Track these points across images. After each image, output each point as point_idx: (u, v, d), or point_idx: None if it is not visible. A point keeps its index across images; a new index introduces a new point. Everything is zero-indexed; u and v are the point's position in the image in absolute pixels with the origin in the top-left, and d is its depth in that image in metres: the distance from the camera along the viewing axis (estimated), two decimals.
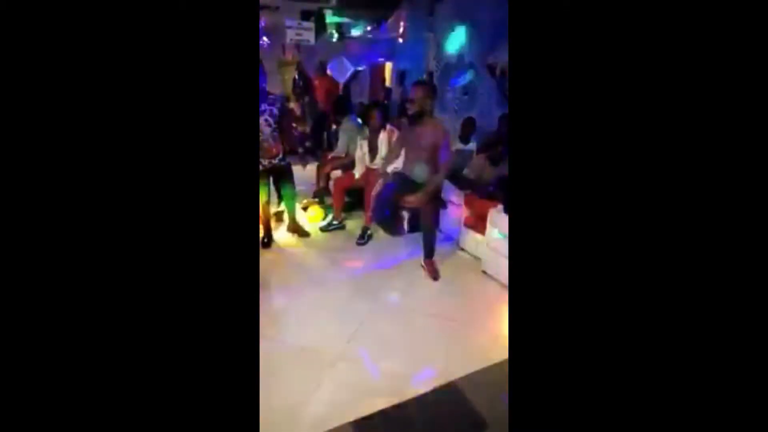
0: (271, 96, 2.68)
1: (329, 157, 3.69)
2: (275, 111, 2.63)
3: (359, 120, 3.49)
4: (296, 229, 3.06)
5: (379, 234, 3.00)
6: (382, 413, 1.49)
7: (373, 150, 3.11)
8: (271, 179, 2.88)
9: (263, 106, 2.59)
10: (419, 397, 1.57)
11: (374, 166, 3.07)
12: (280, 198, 3.16)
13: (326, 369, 1.70)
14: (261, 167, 2.72)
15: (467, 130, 3.44)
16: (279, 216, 3.25)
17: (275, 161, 2.75)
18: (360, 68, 6.56)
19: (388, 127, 3.11)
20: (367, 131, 3.16)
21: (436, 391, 1.60)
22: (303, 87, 5.90)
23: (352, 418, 1.45)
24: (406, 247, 2.90)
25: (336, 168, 3.56)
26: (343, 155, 3.47)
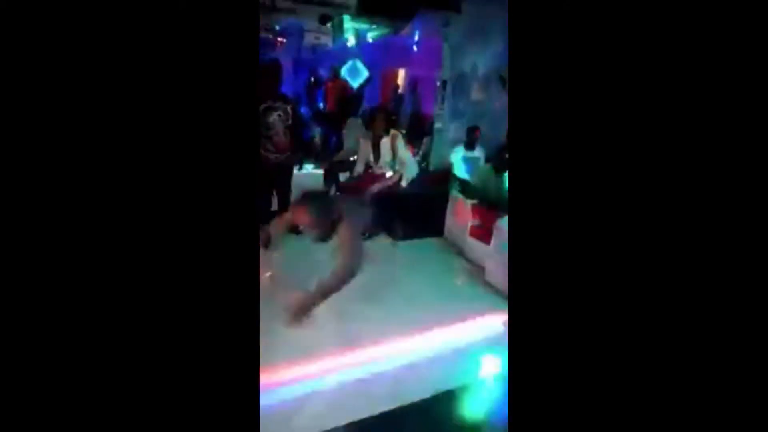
0: (286, 95, 2.78)
1: (334, 159, 3.72)
2: (288, 109, 2.72)
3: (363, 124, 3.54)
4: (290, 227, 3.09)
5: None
6: (382, 416, 1.49)
7: (375, 154, 3.13)
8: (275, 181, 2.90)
9: (278, 104, 2.70)
10: (419, 402, 1.56)
11: (378, 171, 3.08)
12: (279, 200, 3.11)
13: (327, 370, 1.69)
14: (269, 161, 2.77)
15: (472, 138, 3.49)
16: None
17: (282, 157, 2.80)
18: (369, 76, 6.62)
19: (391, 132, 3.12)
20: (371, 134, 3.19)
21: (436, 398, 1.59)
22: (314, 90, 5.97)
23: (351, 419, 1.45)
24: (411, 250, 2.91)
25: (342, 170, 3.58)
26: (351, 158, 3.49)
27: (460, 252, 2.95)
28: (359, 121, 3.79)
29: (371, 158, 3.14)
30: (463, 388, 1.64)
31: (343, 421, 1.45)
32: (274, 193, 2.97)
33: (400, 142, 3.07)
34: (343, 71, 6.61)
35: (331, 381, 1.65)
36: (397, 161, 3.04)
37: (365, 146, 3.15)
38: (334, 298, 2.19)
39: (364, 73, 6.86)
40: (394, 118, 3.95)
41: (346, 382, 1.64)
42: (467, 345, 1.93)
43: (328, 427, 1.42)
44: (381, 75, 7.21)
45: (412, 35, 5.94)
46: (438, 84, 3.99)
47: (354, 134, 3.50)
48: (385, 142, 3.07)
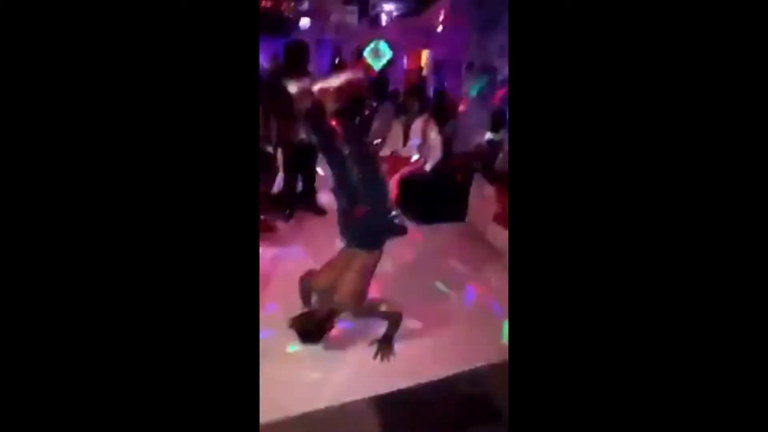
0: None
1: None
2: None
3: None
4: (314, 209, 3.14)
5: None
6: (401, 392, 1.54)
7: (405, 136, 3.11)
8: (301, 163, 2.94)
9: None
10: (438, 381, 1.60)
11: (404, 154, 3.07)
12: (304, 182, 3.14)
13: (348, 347, 1.76)
14: (294, 142, 2.80)
15: (497, 120, 3.43)
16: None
17: (307, 139, 2.82)
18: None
19: (425, 115, 3.10)
20: (403, 117, 3.16)
21: (455, 377, 1.63)
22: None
23: (370, 395, 1.51)
24: (432, 235, 2.92)
25: None
26: (376, 142, 3.49)
27: (482, 237, 2.94)
28: (390, 105, 3.76)
29: (400, 142, 3.13)
30: (485, 369, 1.67)
31: (364, 396, 1.51)
32: (299, 175, 3.02)
33: (433, 128, 3.04)
34: (366, 52, 6.52)
35: (352, 357, 1.71)
36: (425, 146, 3.02)
37: (396, 128, 3.14)
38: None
39: (388, 54, 6.75)
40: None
41: (367, 358, 1.71)
42: (486, 328, 1.95)
43: (349, 401, 1.49)
44: (405, 56, 7.07)
45: (438, 15, 5.78)
46: (463, 66, 3.90)
47: (385, 117, 3.49)
48: (416, 126, 3.04)
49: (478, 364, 1.69)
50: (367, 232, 1.67)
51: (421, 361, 1.70)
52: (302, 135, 2.77)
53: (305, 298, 1.82)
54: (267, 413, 1.37)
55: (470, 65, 3.77)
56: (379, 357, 1.70)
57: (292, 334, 1.76)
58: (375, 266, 1.71)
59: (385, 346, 1.72)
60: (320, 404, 1.45)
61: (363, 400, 1.49)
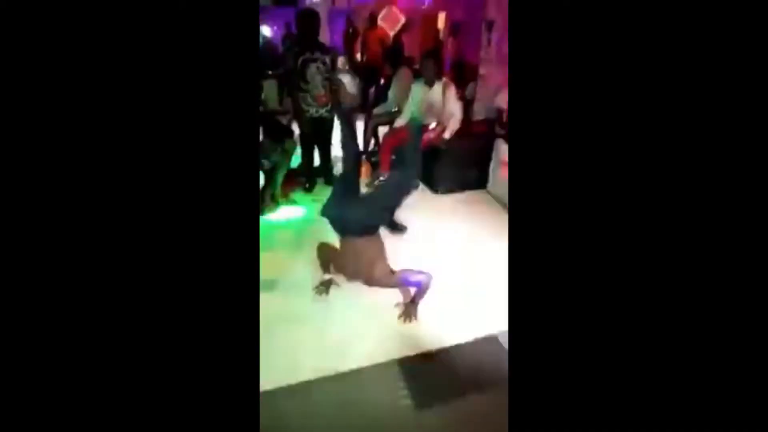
0: (325, 46, 2.73)
1: (375, 112, 3.65)
2: (327, 60, 2.67)
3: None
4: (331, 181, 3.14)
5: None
6: (425, 355, 1.58)
7: (424, 103, 3.02)
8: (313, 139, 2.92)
9: (317, 54, 2.65)
10: (461, 345, 1.64)
11: (426, 122, 3.00)
12: (321, 155, 3.11)
13: (376, 313, 1.80)
14: (309, 115, 2.79)
15: None
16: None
17: (323, 111, 2.79)
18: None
19: (444, 80, 2.99)
20: (421, 83, 3.06)
21: (477, 341, 1.66)
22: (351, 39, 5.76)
23: (397, 356, 1.56)
24: (452, 203, 2.89)
25: (382, 124, 3.52)
26: (394, 110, 3.42)
27: (505, 205, 2.89)
28: (406, 71, 3.65)
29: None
30: (502, 334, 1.68)
31: (392, 357, 1.56)
32: (316, 148, 3.01)
33: (451, 92, 2.94)
34: (380, 19, 6.29)
35: (380, 319, 1.76)
36: (445, 113, 2.94)
37: (414, 95, 3.05)
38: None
39: (401, 19, 6.50)
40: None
41: (393, 323, 1.75)
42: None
43: (379, 362, 1.54)
44: (420, 20, 6.80)
45: None
46: (483, 26, 3.70)
47: (401, 84, 3.40)
48: (436, 91, 2.95)
49: (499, 330, 1.70)
50: (358, 222, 1.67)
51: (440, 326, 1.74)
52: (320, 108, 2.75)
53: (324, 265, 1.89)
54: (293, 375, 1.44)
55: (489, 25, 3.57)
56: (403, 319, 1.74)
57: (317, 299, 1.83)
58: (382, 246, 1.74)
59: (411, 308, 1.75)
60: (345, 366, 1.52)
61: (386, 362, 1.55)
